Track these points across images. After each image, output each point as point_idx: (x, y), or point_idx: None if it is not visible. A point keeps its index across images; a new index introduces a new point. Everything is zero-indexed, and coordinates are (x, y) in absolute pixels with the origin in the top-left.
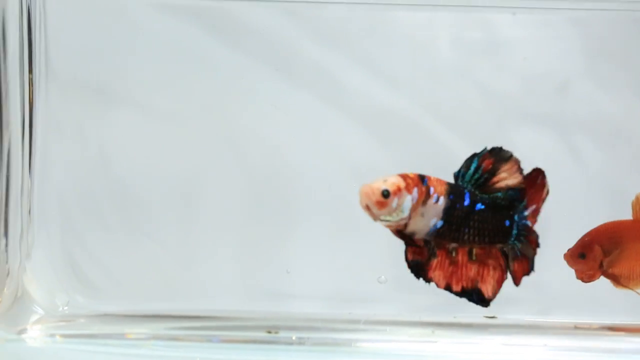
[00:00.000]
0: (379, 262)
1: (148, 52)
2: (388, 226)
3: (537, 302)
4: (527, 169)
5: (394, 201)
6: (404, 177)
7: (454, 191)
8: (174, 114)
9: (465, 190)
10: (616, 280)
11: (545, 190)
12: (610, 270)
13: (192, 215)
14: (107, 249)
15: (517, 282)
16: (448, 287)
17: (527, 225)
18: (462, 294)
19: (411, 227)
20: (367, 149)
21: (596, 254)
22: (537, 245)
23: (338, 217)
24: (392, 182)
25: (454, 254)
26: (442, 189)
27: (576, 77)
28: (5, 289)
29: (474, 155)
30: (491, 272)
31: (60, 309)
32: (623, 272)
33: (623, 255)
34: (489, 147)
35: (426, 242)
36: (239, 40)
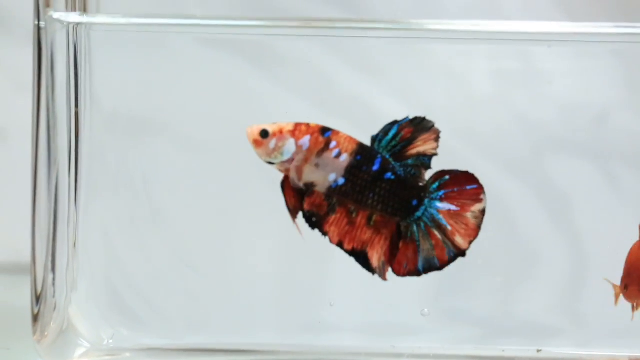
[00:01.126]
0: (422, 294)
1: (189, 85)
2: (279, 170)
3: (582, 334)
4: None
5: (271, 142)
6: (299, 124)
7: (363, 153)
8: (215, 145)
9: (379, 156)
10: None
11: (478, 203)
12: None
13: (233, 247)
14: (150, 281)
15: (394, 266)
16: (340, 244)
17: (434, 215)
18: (351, 253)
19: (306, 177)
20: None
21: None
22: (445, 255)
23: None
24: (277, 124)
25: (353, 215)
26: (349, 147)
27: (613, 106)
28: (52, 322)
29: (394, 122)
30: (382, 242)
31: (105, 342)
32: None
33: None
34: (411, 116)
35: (328, 196)
36: (278, 71)
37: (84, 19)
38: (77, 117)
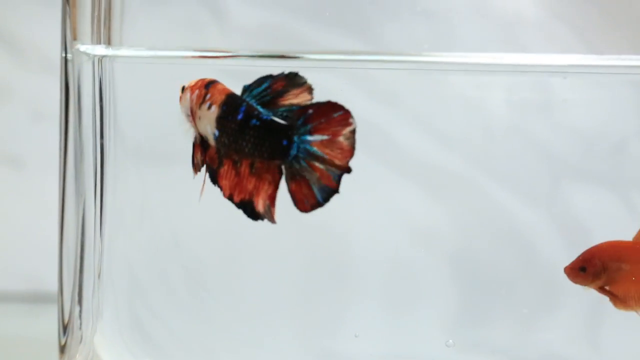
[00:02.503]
0: (446, 325)
1: None
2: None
3: None
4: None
5: (183, 98)
6: (201, 79)
7: (229, 103)
8: None
9: (243, 104)
10: (614, 299)
11: (348, 127)
12: (608, 288)
13: (255, 278)
14: (173, 311)
15: (298, 206)
16: (230, 197)
17: (308, 149)
18: (239, 205)
19: (199, 130)
20: (421, 207)
21: (597, 269)
22: (333, 180)
23: (401, 279)
24: (193, 80)
25: (238, 165)
26: (219, 98)
27: (632, 136)
28: (78, 354)
29: (269, 76)
30: (265, 187)
31: None
32: (619, 292)
33: (620, 276)
34: (286, 72)
35: (217, 150)
36: None
37: (109, 51)
38: (103, 148)
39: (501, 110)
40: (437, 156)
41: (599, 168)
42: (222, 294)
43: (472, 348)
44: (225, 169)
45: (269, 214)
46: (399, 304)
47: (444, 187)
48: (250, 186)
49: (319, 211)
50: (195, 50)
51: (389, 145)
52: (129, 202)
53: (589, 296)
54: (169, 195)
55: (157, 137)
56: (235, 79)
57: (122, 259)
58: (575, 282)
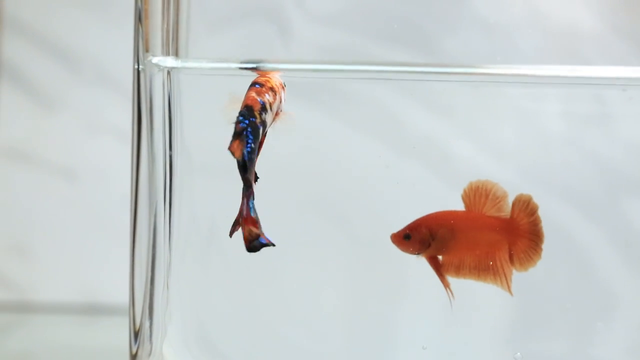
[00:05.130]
0: (514, 336)
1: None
2: None
3: None
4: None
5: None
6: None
7: None
8: (283, 183)
9: None
10: (437, 267)
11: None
12: (442, 259)
13: (326, 293)
14: (239, 325)
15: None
16: None
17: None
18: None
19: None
20: None
21: (423, 236)
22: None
23: (457, 293)
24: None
25: None
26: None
27: None
28: None
29: None
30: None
31: None
32: (454, 261)
33: (454, 245)
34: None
35: None
36: (351, 114)
37: (179, 63)
38: (171, 161)
39: (558, 123)
40: (492, 168)
41: None
42: (290, 307)
43: None
44: None
45: None
46: (454, 319)
47: None
48: None
49: (372, 224)
50: (255, 62)
51: (445, 158)
52: (194, 215)
53: None
54: (233, 208)
55: (223, 149)
56: (296, 91)
57: (189, 272)
58: (401, 249)
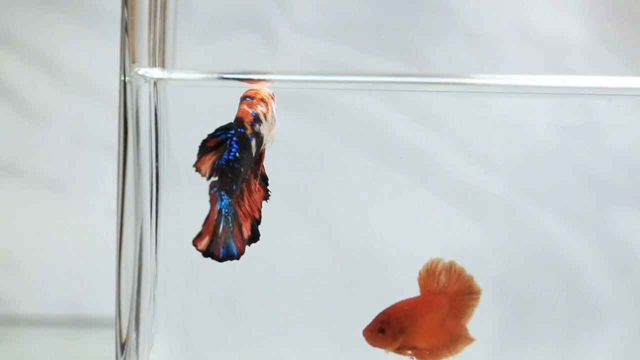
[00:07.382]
0: (488, 349)
1: None
2: None
3: None
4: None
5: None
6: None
7: None
8: (282, 200)
9: None
10: (420, 355)
11: None
12: (412, 347)
13: (314, 301)
14: (226, 335)
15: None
16: None
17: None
18: None
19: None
20: (464, 231)
21: (394, 329)
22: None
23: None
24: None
25: None
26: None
27: None
28: None
29: None
30: None
31: None
32: (423, 346)
33: (419, 331)
34: None
35: None
36: (339, 124)
37: (165, 74)
38: (158, 172)
39: (545, 133)
40: (480, 179)
41: None
42: (278, 317)
43: None
44: None
45: None
46: None
47: (487, 211)
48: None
49: (361, 233)
50: (244, 73)
51: (432, 169)
52: (180, 225)
53: (634, 322)
54: None
55: None
56: (284, 103)
57: (175, 283)
58: (375, 345)
